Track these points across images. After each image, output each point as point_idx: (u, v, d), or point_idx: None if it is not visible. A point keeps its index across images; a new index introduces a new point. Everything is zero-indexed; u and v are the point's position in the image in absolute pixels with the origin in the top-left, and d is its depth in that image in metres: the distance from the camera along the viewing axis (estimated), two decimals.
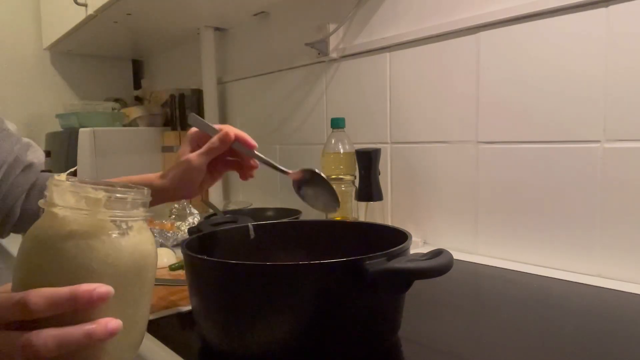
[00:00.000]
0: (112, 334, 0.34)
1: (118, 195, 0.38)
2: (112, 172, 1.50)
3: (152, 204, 0.67)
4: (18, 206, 0.69)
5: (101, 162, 1.48)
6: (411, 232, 0.55)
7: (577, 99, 0.75)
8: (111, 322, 0.34)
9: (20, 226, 0.70)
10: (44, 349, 0.32)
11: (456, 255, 0.91)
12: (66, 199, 0.37)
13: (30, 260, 0.37)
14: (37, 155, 0.73)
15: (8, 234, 0.71)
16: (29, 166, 0.71)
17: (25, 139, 0.74)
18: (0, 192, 0.68)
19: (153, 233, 1.01)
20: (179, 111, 1.58)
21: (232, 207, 1.33)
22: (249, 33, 1.47)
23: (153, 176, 0.67)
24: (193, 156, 0.63)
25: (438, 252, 0.46)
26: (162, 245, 1.00)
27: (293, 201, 1.34)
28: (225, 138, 0.62)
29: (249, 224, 0.67)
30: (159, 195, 0.63)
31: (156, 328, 0.57)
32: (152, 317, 0.61)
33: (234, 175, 1.58)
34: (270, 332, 0.47)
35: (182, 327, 0.60)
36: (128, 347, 0.39)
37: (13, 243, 1.21)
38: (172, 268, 0.88)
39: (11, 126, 0.74)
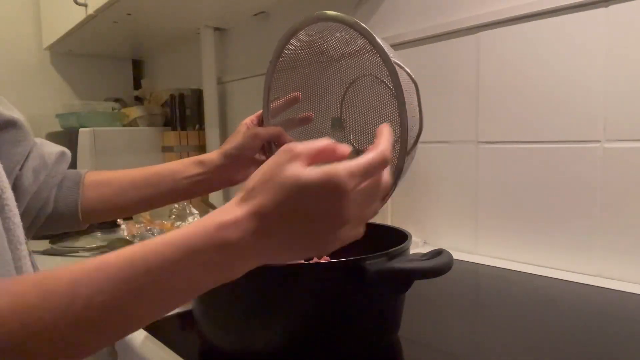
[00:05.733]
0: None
1: None
2: None
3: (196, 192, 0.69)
4: (52, 197, 0.63)
5: (101, 162, 1.48)
6: (411, 232, 0.55)
7: (577, 99, 0.75)
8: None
9: (51, 223, 0.63)
10: None
11: (456, 255, 0.91)
12: None
13: None
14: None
15: (34, 233, 0.62)
16: (62, 155, 0.65)
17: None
18: (37, 181, 0.61)
19: (153, 233, 1.01)
20: (179, 111, 1.58)
21: None
22: (249, 33, 1.47)
23: (196, 159, 0.68)
24: (255, 125, 0.68)
25: (438, 252, 0.46)
26: None
27: None
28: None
29: None
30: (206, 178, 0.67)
31: (156, 328, 0.57)
32: None
33: None
34: (270, 332, 0.47)
35: (182, 327, 0.60)
36: None
37: None
38: None
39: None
